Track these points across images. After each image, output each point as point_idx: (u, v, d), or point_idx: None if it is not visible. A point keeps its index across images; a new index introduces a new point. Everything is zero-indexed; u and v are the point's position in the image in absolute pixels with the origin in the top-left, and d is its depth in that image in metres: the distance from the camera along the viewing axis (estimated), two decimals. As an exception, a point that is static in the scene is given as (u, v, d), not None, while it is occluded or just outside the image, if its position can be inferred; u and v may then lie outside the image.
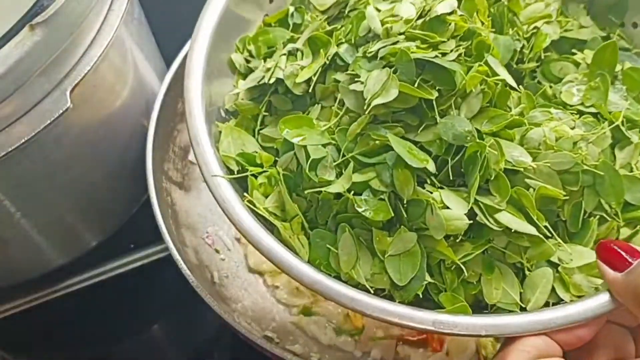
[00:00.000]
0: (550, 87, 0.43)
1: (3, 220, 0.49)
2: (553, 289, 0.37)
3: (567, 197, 0.37)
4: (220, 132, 0.42)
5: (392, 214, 0.36)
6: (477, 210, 0.36)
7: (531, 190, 0.37)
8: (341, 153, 0.38)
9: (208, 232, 0.58)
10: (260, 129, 0.43)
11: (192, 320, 0.59)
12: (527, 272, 0.37)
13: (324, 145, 0.38)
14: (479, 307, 0.38)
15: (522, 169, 0.37)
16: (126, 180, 0.56)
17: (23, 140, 0.41)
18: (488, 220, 0.36)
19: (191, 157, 0.60)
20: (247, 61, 0.46)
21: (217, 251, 0.58)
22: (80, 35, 0.43)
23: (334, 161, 0.38)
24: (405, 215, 0.37)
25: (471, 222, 0.36)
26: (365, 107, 0.37)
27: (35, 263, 0.56)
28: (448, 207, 0.36)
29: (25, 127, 0.41)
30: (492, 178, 0.36)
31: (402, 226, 0.37)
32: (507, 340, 0.35)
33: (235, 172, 0.40)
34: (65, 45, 0.41)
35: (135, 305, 0.61)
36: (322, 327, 0.54)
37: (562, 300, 0.36)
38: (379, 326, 0.53)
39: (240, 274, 0.57)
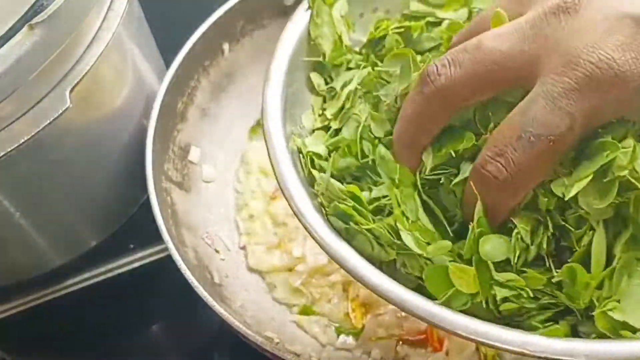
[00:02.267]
0: None
1: (3, 220, 0.49)
2: None
3: None
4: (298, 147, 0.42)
5: None
6: None
7: None
8: None
9: (208, 232, 0.58)
10: None
11: (192, 320, 0.59)
12: None
13: None
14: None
15: None
16: (126, 180, 0.56)
17: (23, 140, 0.41)
18: None
19: (191, 157, 0.60)
20: (327, 82, 0.46)
21: (217, 251, 0.57)
22: (80, 35, 0.43)
23: None
24: None
25: None
26: None
27: (35, 263, 0.56)
28: None
29: (24, 127, 0.41)
30: None
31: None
32: None
33: None
34: (64, 45, 0.41)
35: (135, 305, 0.61)
36: (322, 327, 0.54)
37: None
38: (379, 326, 0.53)
39: (240, 274, 0.57)
